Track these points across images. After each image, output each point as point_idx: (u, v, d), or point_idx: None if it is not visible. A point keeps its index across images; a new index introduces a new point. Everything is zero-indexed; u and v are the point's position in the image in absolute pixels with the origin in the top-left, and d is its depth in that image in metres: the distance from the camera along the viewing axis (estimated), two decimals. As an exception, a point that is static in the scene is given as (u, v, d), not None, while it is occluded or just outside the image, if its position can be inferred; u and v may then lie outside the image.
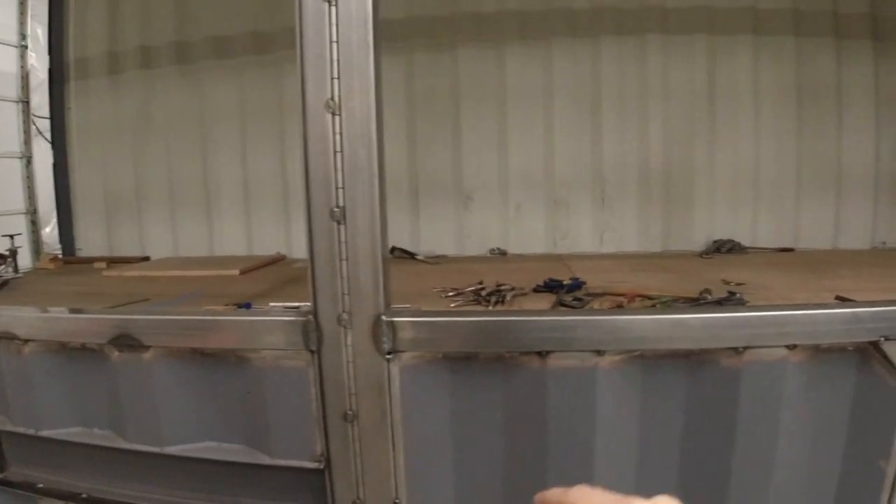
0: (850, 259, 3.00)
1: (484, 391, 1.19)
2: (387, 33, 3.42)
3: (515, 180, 3.79)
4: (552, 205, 3.75)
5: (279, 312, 1.22)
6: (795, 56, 3.93)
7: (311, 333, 1.14)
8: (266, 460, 1.21)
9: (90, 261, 3.55)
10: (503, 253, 3.63)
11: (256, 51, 3.64)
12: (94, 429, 1.37)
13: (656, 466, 1.23)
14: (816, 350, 1.18)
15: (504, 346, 1.16)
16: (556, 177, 3.74)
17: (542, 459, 1.19)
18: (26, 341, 1.33)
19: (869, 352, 1.16)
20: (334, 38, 1.07)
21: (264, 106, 3.64)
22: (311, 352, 1.15)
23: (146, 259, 3.65)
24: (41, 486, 1.55)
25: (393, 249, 3.37)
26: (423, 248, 3.70)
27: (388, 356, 1.13)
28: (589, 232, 3.76)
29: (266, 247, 3.71)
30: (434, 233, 3.76)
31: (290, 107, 3.68)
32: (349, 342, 1.13)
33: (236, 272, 2.68)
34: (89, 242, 3.97)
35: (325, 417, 1.16)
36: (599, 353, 1.15)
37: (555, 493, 0.49)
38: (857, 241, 3.62)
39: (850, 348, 1.18)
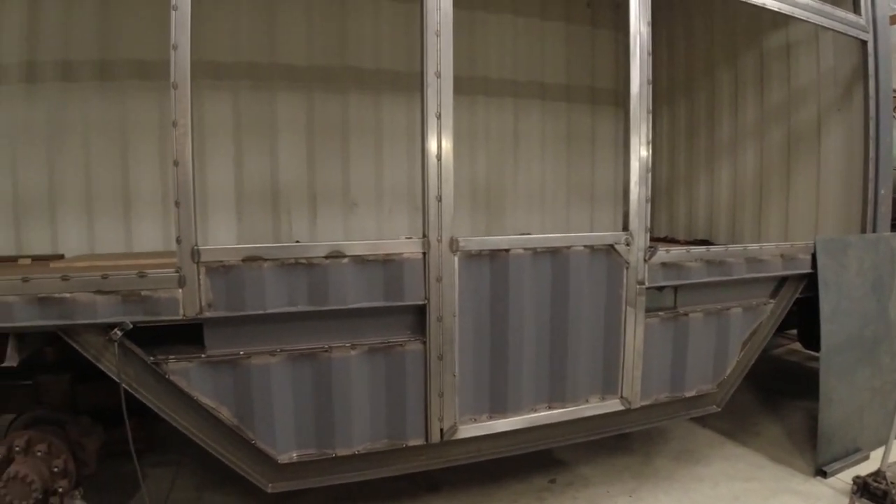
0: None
1: (483, 268, 3.05)
2: (291, 76, 4.77)
3: (388, 192, 5.28)
4: (414, 210, 5.26)
5: (414, 238, 2.90)
6: (567, 114, 6.03)
7: (424, 245, 2.87)
8: (400, 303, 2.89)
9: (12, 259, 3.88)
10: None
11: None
12: (297, 305, 2.84)
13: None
14: (593, 248, 3.32)
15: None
16: (415, 191, 5.06)
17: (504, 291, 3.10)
18: (266, 260, 2.76)
19: (611, 248, 3.33)
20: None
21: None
22: (423, 253, 2.87)
23: (61, 256, 4.09)
24: (242, 353, 2.85)
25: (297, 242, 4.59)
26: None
27: (455, 253, 2.93)
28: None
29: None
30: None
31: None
32: (440, 248, 2.89)
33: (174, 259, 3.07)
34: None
35: (428, 281, 2.88)
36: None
37: None
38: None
39: (604, 247, 3.34)
